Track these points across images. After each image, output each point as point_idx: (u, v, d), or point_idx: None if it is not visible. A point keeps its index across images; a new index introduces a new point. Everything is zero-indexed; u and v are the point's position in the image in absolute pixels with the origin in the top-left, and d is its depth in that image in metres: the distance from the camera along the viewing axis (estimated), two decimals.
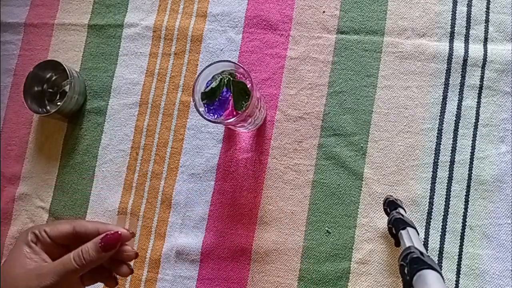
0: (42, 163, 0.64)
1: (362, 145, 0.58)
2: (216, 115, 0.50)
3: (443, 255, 0.54)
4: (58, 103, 0.62)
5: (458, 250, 0.54)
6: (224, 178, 0.59)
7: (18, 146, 0.65)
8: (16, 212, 0.63)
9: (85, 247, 0.35)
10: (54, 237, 0.36)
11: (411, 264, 0.37)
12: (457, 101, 0.57)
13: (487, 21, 0.59)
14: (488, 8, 0.59)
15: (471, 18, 0.59)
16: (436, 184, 0.56)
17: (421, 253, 0.39)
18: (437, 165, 0.56)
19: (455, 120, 0.57)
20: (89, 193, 0.62)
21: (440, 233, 0.55)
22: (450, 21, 0.59)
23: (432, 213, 0.55)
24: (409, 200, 0.56)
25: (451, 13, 0.59)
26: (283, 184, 0.58)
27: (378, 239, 0.55)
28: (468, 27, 0.59)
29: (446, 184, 0.56)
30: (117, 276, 0.39)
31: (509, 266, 0.53)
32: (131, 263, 0.41)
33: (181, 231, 0.59)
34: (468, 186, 0.55)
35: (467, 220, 0.55)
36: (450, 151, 0.56)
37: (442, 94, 0.58)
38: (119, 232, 0.36)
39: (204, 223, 0.59)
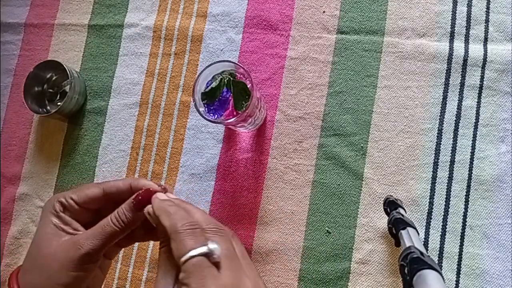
0: (42, 163, 0.64)
1: (362, 145, 0.58)
2: (216, 115, 0.50)
3: (443, 255, 0.54)
4: (58, 103, 0.62)
5: (458, 250, 0.54)
6: (224, 178, 0.59)
7: (18, 146, 0.65)
8: (16, 212, 0.63)
9: (121, 209, 0.33)
10: (82, 203, 0.35)
11: (411, 264, 0.37)
12: (457, 101, 0.57)
13: (487, 21, 0.59)
14: (488, 8, 0.59)
15: (471, 18, 0.59)
16: (436, 184, 0.56)
17: (421, 253, 0.39)
18: (437, 165, 0.56)
19: (455, 120, 0.57)
20: None
21: (440, 233, 0.55)
22: (450, 21, 0.59)
23: (432, 213, 0.55)
24: (409, 200, 0.56)
25: (451, 13, 0.59)
26: (283, 184, 0.58)
27: (378, 239, 0.55)
28: (468, 27, 0.59)
29: (446, 184, 0.56)
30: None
31: (510, 266, 0.53)
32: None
33: None
34: (468, 186, 0.55)
35: (467, 220, 0.55)
36: (450, 151, 0.56)
37: (442, 94, 0.58)
38: (151, 189, 0.34)
39: None
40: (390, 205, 0.51)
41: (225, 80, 0.51)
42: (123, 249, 0.59)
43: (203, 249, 0.28)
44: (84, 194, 0.35)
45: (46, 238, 0.33)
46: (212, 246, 0.28)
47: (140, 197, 0.33)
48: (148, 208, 0.33)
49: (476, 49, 0.58)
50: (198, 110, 0.49)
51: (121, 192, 0.35)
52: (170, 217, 0.30)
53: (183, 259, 0.27)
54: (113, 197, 0.35)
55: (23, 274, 0.33)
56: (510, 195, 0.55)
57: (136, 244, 0.59)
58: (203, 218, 0.30)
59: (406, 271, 0.37)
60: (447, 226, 0.55)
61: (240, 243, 0.32)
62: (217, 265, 0.27)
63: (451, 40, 0.59)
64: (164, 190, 0.35)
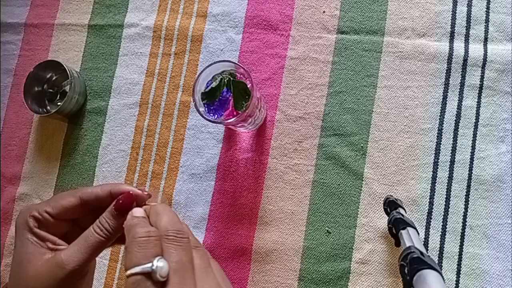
0: (42, 163, 0.64)
1: (362, 145, 0.58)
2: (216, 115, 0.50)
3: (443, 255, 0.54)
4: (58, 103, 0.62)
5: (458, 250, 0.54)
6: (224, 178, 0.59)
7: (18, 146, 0.65)
8: (16, 212, 0.63)
9: (103, 218, 0.32)
10: (58, 214, 0.32)
11: (411, 264, 0.37)
12: (457, 101, 0.57)
13: (487, 21, 0.59)
14: (488, 8, 0.59)
15: (471, 18, 0.59)
16: (436, 184, 0.56)
17: (421, 253, 0.39)
18: (437, 165, 0.56)
19: (455, 120, 0.57)
20: None
21: (440, 233, 0.55)
22: (450, 21, 0.59)
23: (432, 213, 0.55)
24: (409, 200, 0.56)
25: (451, 13, 0.59)
26: (283, 184, 0.58)
27: (378, 239, 0.55)
28: (468, 27, 0.59)
29: (446, 184, 0.56)
30: None
31: (509, 266, 0.53)
32: None
33: None
34: (468, 186, 0.55)
35: (467, 220, 0.55)
36: (450, 151, 0.56)
37: (442, 94, 0.58)
38: (131, 192, 0.32)
39: (204, 223, 0.59)
40: (390, 205, 0.51)
41: (225, 80, 0.51)
42: (123, 249, 0.59)
43: (146, 267, 0.26)
44: (59, 205, 0.32)
45: (27, 258, 0.31)
46: (159, 263, 0.26)
47: (121, 201, 0.32)
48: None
49: (476, 49, 0.58)
50: (198, 110, 0.49)
51: (100, 199, 0.33)
52: (131, 230, 0.28)
53: (126, 274, 0.26)
54: (91, 205, 0.33)
55: None
56: (510, 195, 0.55)
57: None
58: (167, 223, 0.29)
59: (406, 271, 0.37)
60: (447, 226, 0.55)
61: (204, 253, 0.29)
62: (162, 283, 0.26)
63: (451, 40, 0.59)
64: (148, 196, 0.33)
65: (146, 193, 0.33)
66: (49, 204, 0.33)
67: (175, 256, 0.27)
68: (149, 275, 0.26)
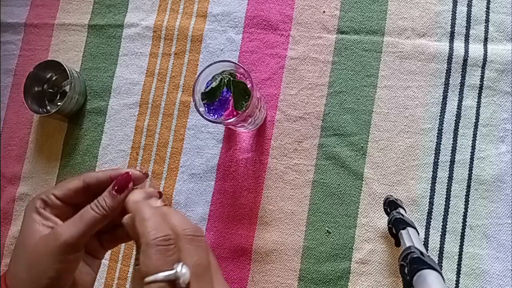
0: (42, 163, 0.64)
1: (362, 145, 0.58)
2: (216, 115, 0.50)
3: (443, 255, 0.54)
4: (58, 103, 0.62)
5: (458, 250, 0.54)
6: (224, 178, 0.59)
7: (18, 146, 0.65)
8: (16, 212, 0.63)
9: (101, 197, 0.33)
10: (63, 196, 0.34)
11: (411, 264, 0.37)
12: (457, 101, 0.57)
13: (487, 21, 0.59)
14: (488, 8, 0.59)
15: (471, 18, 0.59)
16: (436, 184, 0.56)
17: (421, 253, 0.39)
18: (437, 165, 0.56)
19: (455, 120, 0.57)
20: None
21: (440, 233, 0.55)
22: (450, 21, 0.59)
23: (432, 213, 0.55)
24: (409, 200, 0.56)
25: (451, 13, 0.59)
26: (283, 184, 0.58)
27: (378, 239, 0.55)
28: (468, 27, 0.59)
29: (446, 184, 0.56)
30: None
31: (509, 266, 0.53)
32: None
33: None
34: (468, 186, 0.55)
35: (467, 220, 0.55)
36: (450, 151, 0.56)
37: (442, 94, 0.58)
38: (130, 173, 0.34)
39: (204, 223, 0.59)
40: (390, 205, 0.51)
41: (225, 80, 0.51)
42: (123, 249, 0.59)
43: (169, 274, 0.25)
44: (65, 188, 0.34)
45: (28, 235, 0.32)
46: (181, 270, 0.25)
47: (119, 181, 0.33)
48: (125, 217, 0.31)
49: (476, 49, 0.58)
50: (198, 110, 0.49)
51: (101, 183, 0.34)
52: (144, 224, 0.28)
53: (147, 280, 0.25)
54: (93, 189, 0.35)
55: (10, 274, 0.32)
56: (510, 195, 0.55)
57: None
58: (181, 222, 0.28)
59: (406, 271, 0.37)
60: (447, 226, 0.55)
61: (211, 251, 0.29)
62: None
63: (451, 40, 0.59)
64: (145, 176, 0.35)
65: (144, 173, 0.35)
66: (56, 187, 0.35)
67: (197, 259, 0.27)
68: (171, 282, 0.25)
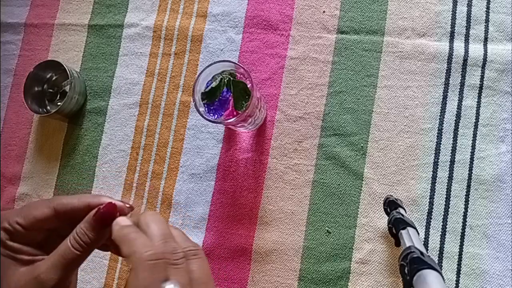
0: (42, 163, 0.64)
1: (362, 145, 0.58)
2: (216, 115, 0.50)
3: (443, 255, 0.54)
4: (59, 103, 0.62)
5: (458, 250, 0.54)
6: (224, 178, 0.59)
7: (18, 146, 0.65)
8: None
9: (80, 229, 0.29)
10: (30, 226, 0.29)
11: (411, 264, 0.37)
12: (457, 101, 0.57)
13: (487, 20, 0.59)
14: (488, 8, 0.59)
15: (471, 18, 0.59)
16: (436, 184, 0.56)
17: (421, 253, 0.39)
18: (437, 165, 0.56)
19: (455, 120, 0.57)
20: (90, 193, 0.62)
21: (440, 233, 0.55)
22: (450, 21, 0.59)
23: (432, 213, 0.55)
24: (409, 200, 0.56)
25: (451, 13, 0.59)
26: (283, 184, 0.58)
27: (378, 239, 0.55)
28: (468, 27, 0.59)
29: (446, 184, 0.56)
30: None
31: (509, 266, 0.53)
32: None
33: None
34: (468, 186, 0.55)
35: (467, 220, 0.55)
36: (450, 151, 0.56)
37: (442, 94, 0.58)
38: (113, 202, 0.30)
39: (204, 223, 0.59)
40: (390, 205, 0.51)
41: (225, 80, 0.51)
42: None
43: None
44: (31, 217, 0.30)
45: (2, 273, 0.28)
46: (169, 286, 0.25)
47: (102, 211, 0.29)
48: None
49: (476, 49, 0.58)
50: (198, 110, 0.49)
51: (76, 211, 0.30)
52: (130, 246, 0.26)
53: None
54: (67, 217, 0.30)
55: None
56: (510, 195, 0.55)
57: None
58: (180, 239, 0.28)
59: (406, 271, 0.37)
60: (447, 226, 0.55)
61: (203, 262, 0.28)
62: None
63: (451, 40, 0.59)
64: (131, 209, 0.31)
65: (128, 205, 0.31)
66: (20, 214, 0.30)
67: (188, 277, 0.26)
68: None
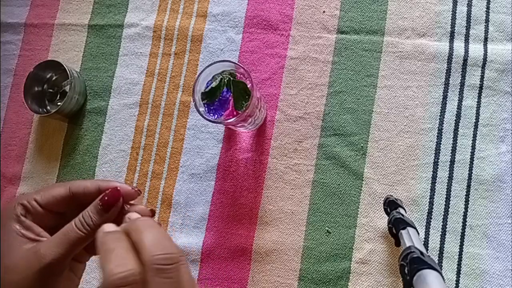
0: (42, 163, 0.64)
1: (362, 145, 0.58)
2: (216, 115, 0.50)
3: (443, 255, 0.54)
4: (59, 103, 0.62)
5: (458, 250, 0.54)
6: (224, 178, 0.59)
7: (18, 146, 0.65)
8: None
9: (86, 212, 0.30)
10: (46, 204, 0.31)
11: (411, 264, 0.37)
12: (457, 101, 0.57)
13: (487, 20, 0.59)
14: (488, 7, 0.59)
15: (471, 18, 0.59)
16: (436, 184, 0.56)
17: (421, 253, 0.39)
18: (437, 165, 0.56)
19: (455, 120, 0.57)
20: None
21: (440, 233, 0.55)
22: (450, 21, 0.59)
23: (432, 213, 0.55)
24: (409, 200, 0.56)
25: (451, 13, 0.59)
26: (283, 184, 0.58)
27: (378, 239, 0.55)
28: (468, 27, 0.59)
29: (446, 184, 0.56)
30: None
31: (510, 266, 0.53)
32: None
33: (182, 231, 0.59)
34: (468, 186, 0.55)
35: (467, 220, 0.55)
36: (450, 151, 0.56)
37: (442, 94, 0.58)
38: (118, 188, 0.30)
39: (204, 223, 0.59)
40: (390, 205, 0.51)
41: (225, 80, 0.51)
42: None
43: None
44: (48, 194, 0.31)
45: (6, 247, 0.29)
46: None
47: (106, 198, 0.30)
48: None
49: (476, 49, 0.58)
50: (198, 110, 0.49)
51: (88, 194, 0.31)
52: (104, 259, 0.24)
53: None
54: (79, 199, 0.31)
55: None
56: (510, 195, 0.55)
57: None
58: (152, 244, 0.25)
59: (406, 271, 0.37)
60: (447, 226, 0.55)
61: (187, 266, 0.26)
62: None
63: (451, 40, 0.59)
64: (138, 193, 0.32)
65: (136, 189, 0.32)
66: (39, 192, 0.31)
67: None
68: None
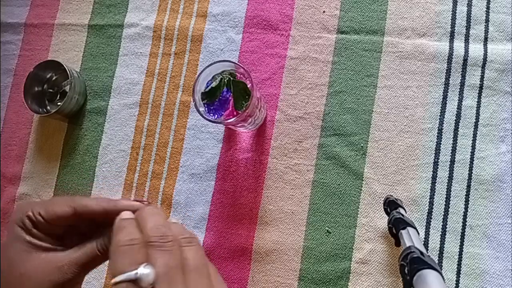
0: (42, 163, 0.64)
1: (362, 145, 0.58)
2: (216, 115, 0.50)
3: (443, 255, 0.54)
4: (59, 103, 0.62)
5: (458, 250, 0.54)
6: (224, 178, 0.59)
7: (18, 146, 0.65)
8: None
9: (106, 237, 0.31)
10: (50, 220, 0.31)
11: (411, 264, 0.37)
12: (457, 101, 0.57)
13: (487, 20, 0.59)
14: (488, 7, 0.59)
15: (471, 17, 0.59)
16: (436, 183, 0.56)
17: (422, 253, 0.39)
18: (437, 164, 0.56)
19: (455, 120, 0.57)
20: (90, 193, 0.62)
21: (440, 233, 0.55)
22: (450, 20, 0.59)
23: (432, 213, 0.55)
24: (409, 200, 0.56)
25: (451, 12, 0.59)
26: (283, 184, 0.58)
27: (378, 239, 0.55)
28: (468, 27, 0.59)
29: (446, 184, 0.56)
30: None
31: (509, 266, 0.53)
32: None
33: None
34: (468, 186, 0.55)
35: (467, 219, 0.55)
36: (450, 151, 0.56)
37: (442, 94, 0.58)
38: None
39: (204, 223, 0.59)
40: (390, 205, 0.51)
41: (225, 80, 0.51)
42: None
43: (130, 275, 0.25)
44: (52, 212, 0.31)
45: (19, 257, 0.30)
46: (144, 270, 0.25)
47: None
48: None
49: (476, 49, 0.58)
50: (198, 110, 0.49)
51: (94, 214, 0.32)
52: (117, 234, 0.27)
53: (111, 282, 0.25)
54: (85, 218, 0.32)
55: None
56: (510, 195, 0.55)
57: None
58: (151, 228, 0.28)
59: (406, 271, 0.37)
60: (447, 226, 0.55)
61: (198, 251, 0.28)
62: None
63: (451, 40, 0.59)
64: (148, 204, 0.33)
65: (146, 203, 0.33)
66: (43, 207, 0.31)
67: (160, 261, 0.26)
68: (135, 282, 0.25)
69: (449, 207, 0.55)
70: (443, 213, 0.55)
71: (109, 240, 0.31)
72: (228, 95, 0.51)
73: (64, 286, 0.30)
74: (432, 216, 0.55)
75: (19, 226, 0.31)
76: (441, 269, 0.54)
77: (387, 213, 0.52)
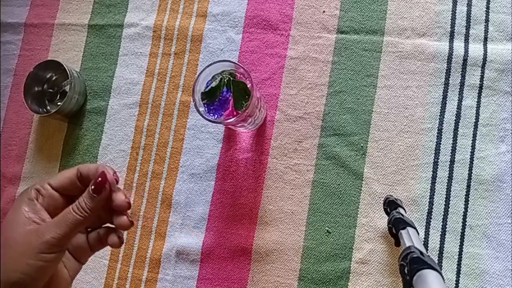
0: (42, 163, 0.64)
1: (362, 145, 0.58)
2: (216, 115, 0.50)
3: (443, 255, 0.54)
4: (59, 103, 0.62)
5: (458, 250, 0.54)
6: (224, 178, 0.59)
7: (18, 146, 0.65)
8: None
9: (81, 198, 0.33)
10: (58, 185, 0.35)
11: (411, 264, 0.37)
12: (457, 101, 0.57)
13: (487, 20, 0.59)
14: (488, 7, 0.59)
15: (471, 17, 0.59)
16: (436, 183, 0.56)
17: (421, 253, 0.39)
18: (437, 164, 0.56)
19: (455, 120, 0.57)
20: None
21: (440, 233, 0.55)
22: (450, 20, 0.59)
23: (432, 213, 0.55)
24: (409, 200, 0.56)
25: (451, 12, 0.59)
26: (283, 184, 0.58)
27: (378, 239, 0.55)
28: (468, 27, 0.59)
29: (446, 184, 0.56)
30: (122, 236, 0.36)
31: (509, 266, 0.53)
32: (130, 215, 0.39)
33: (181, 231, 0.59)
34: (468, 186, 0.55)
35: (467, 219, 0.55)
36: (450, 151, 0.56)
37: (442, 93, 0.58)
38: (105, 173, 0.34)
39: (204, 223, 0.59)
40: (390, 205, 0.51)
41: (225, 80, 0.51)
42: (123, 249, 0.59)
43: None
44: (61, 176, 0.35)
45: (12, 225, 0.32)
46: None
47: (95, 180, 0.34)
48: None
49: (476, 49, 0.58)
50: (198, 110, 0.49)
51: (91, 175, 0.35)
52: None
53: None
54: (86, 181, 0.35)
55: None
56: (510, 195, 0.55)
57: (136, 244, 0.59)
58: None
59: (406, 271, 0.37)
60: (447, 226, 0.55)
61: None
62: None
63: (451, 40, 0.59)
64: (116, 177, 0.36)
65: (115, 177, 0.35)
66: (52, 177, 0.35)
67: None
68: None
69: (449, 207, 0.55)
70: (443, 213, 0.55)
71: (83, 201, 0.33)
72: (228, 95, 0.51)
73: (45, 250, 0.31)
74: (432, 216, 0.55)
75: (23, 198, 0.33)
76: (441, 269, 0.54)
77: (387, 213, 0.52)
